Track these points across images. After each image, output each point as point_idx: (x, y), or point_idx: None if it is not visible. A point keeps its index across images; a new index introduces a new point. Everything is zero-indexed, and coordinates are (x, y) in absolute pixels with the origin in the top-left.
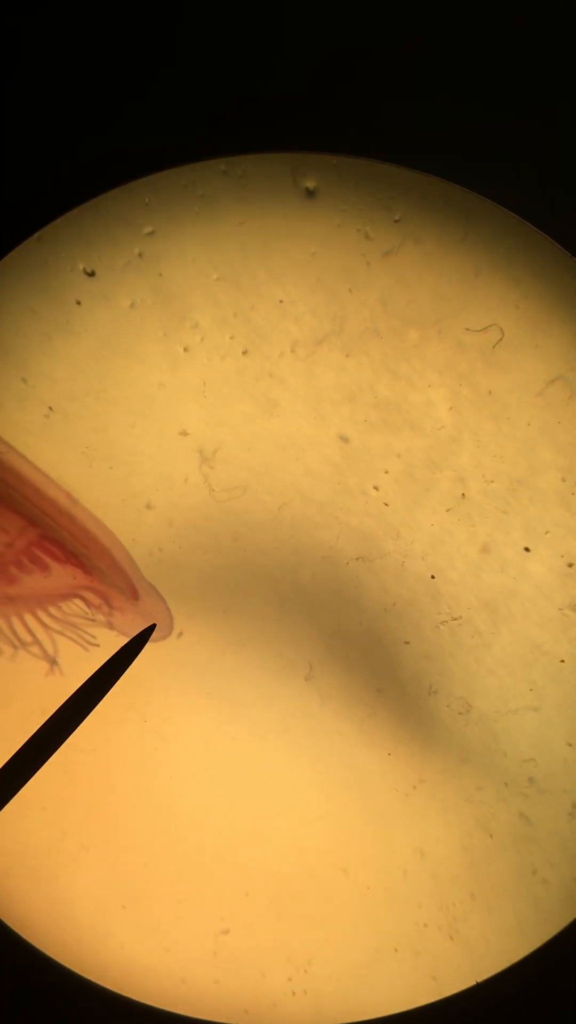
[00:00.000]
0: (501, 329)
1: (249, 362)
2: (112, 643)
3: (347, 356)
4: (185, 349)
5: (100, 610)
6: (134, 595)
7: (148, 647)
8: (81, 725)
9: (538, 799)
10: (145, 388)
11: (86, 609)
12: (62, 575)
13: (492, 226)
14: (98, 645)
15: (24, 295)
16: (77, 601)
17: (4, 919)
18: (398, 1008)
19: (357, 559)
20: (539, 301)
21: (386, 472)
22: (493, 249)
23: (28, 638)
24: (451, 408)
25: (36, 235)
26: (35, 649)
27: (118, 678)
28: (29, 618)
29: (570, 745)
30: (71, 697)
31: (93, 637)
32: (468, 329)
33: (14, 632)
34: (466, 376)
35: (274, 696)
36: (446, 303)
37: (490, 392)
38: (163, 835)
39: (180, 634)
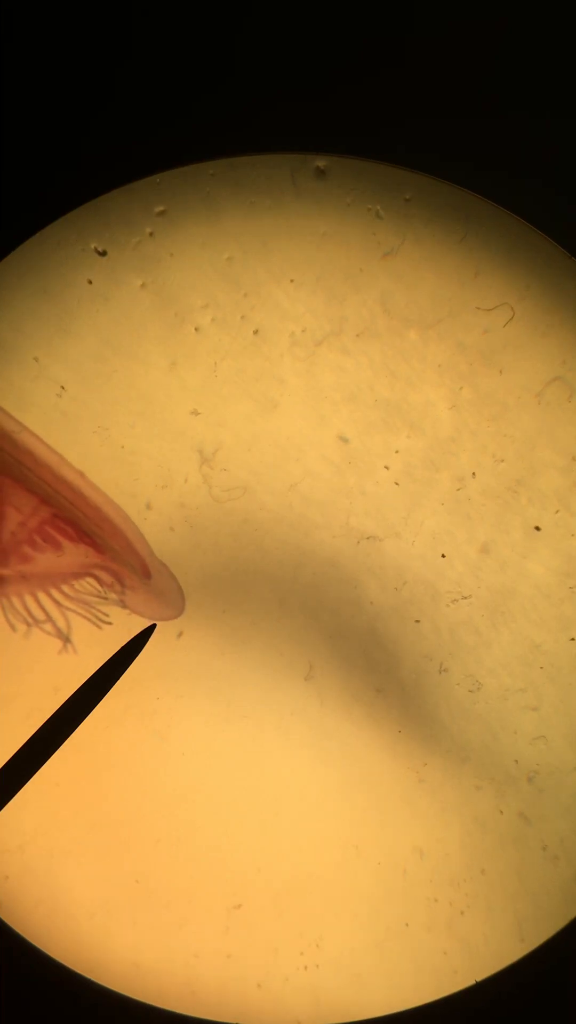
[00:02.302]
0: (512, 308)
1: (249, 362)
2: (124, 621)
3: (347, 356)
4: (185, 349)
5: (112, 588)
6: (146, 574)
7: (149, 647)
8: (81, 725)
9: (537, 798)
10: (145, 388)
11: (98, 587)
12: (75, 554)
13: (492, 226)
14: (111, 623)
15: (26, 292)
16: (90, 579)
17: (4, 919)
18: (398, 1007)
19: (357, 558)
20: (539, 301)
21: (386, 472)
22: (493, 249)
23: (41, 616)
24: (451, 408)
25: (35, 236)
26: (48, 627)
27: (118, 678)
28: (42, 596)
29: (570, 744)
30: (71, 697)
31: (106, 615)
32: (479, 308)
33: (28, 610)
34: (466, 376)
35: (274, 696)
36: (446, 303)
37: (490, 392)
38: (163, 834)
39: (180, 634)
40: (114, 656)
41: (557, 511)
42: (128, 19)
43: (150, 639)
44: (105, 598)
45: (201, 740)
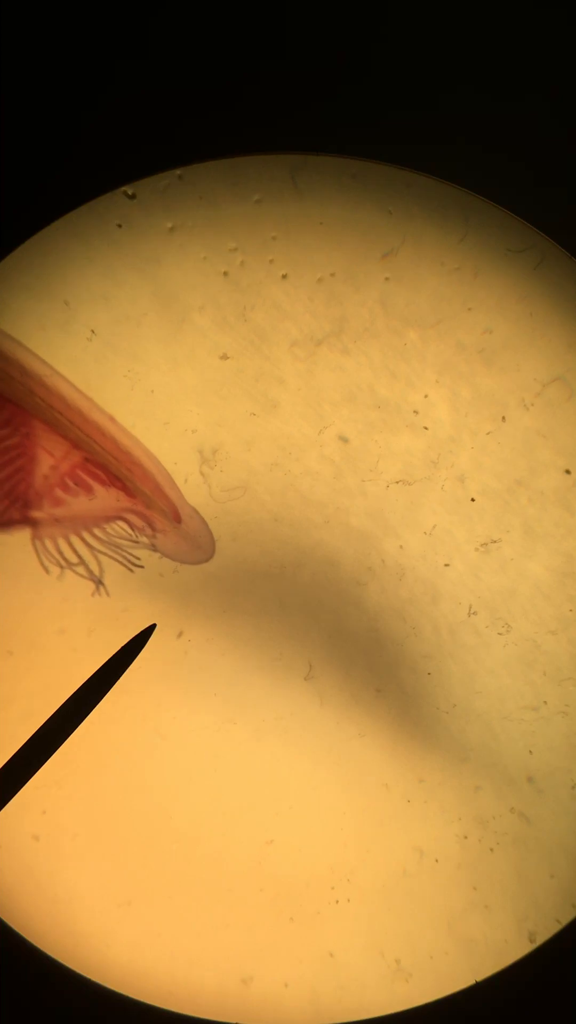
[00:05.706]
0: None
1: (249, 362)
2: (155, 565)
3: (347, 356)
4: (185, 349)
5: (143, 532)
6: (176, 518)
7: (148, 646)
8: (81, 724)
9: (537, 798)
10: (145, 388)
11: (130, 531)
12: (106, 498)
13: (492, 226)
14: (142, 566)
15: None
16: (121, 523)
17: (4, 919)
18: (398, 1007)
19: (357, 558)
20: (539, 301)
21: (385, 472)
22: (493, 249)
23: (74, 558)
24: (451, 408)
25: (40, 232)
26: (81, 569)
27: (118, 678)
28: (75, 539)
29: (570, 745)
30: (71, 696)
31: (137, 559)
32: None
33: (60, 553)
34: (466, 376)
35: (274, 696)
36: (446, 303)
37: (490, 392)
38: (163, 833)
39: (180, 634)
40: (114, 656)
41: (557, 511)
42: (128, 19)
43: (150, 639)
44: (136, 541)
45: (201, 740)
